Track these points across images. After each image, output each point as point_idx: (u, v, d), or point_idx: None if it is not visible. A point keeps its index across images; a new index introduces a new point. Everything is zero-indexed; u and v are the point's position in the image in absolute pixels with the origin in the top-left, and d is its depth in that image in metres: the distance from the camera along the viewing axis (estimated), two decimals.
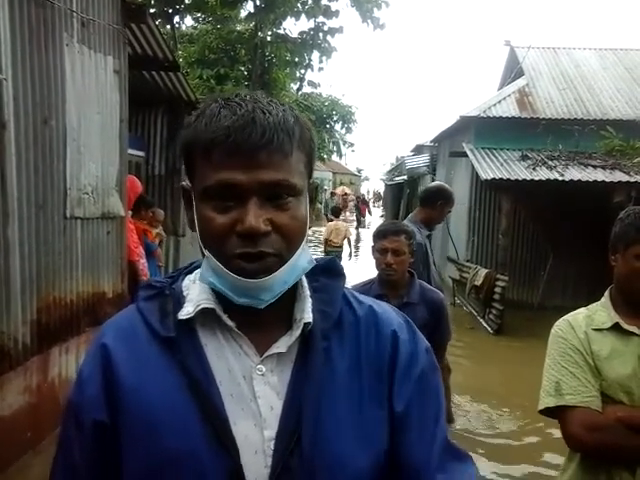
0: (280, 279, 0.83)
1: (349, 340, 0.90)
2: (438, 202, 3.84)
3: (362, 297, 0.98)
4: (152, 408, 0.83)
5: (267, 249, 0.82)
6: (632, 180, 8.67)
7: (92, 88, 4.75)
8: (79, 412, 0.87)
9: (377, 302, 0.99)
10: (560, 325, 1.74)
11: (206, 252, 0.86)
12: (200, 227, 0.86)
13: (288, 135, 0.83)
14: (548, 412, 1.69)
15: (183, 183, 0.91)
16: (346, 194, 32.82)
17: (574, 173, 9.09)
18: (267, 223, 0.82)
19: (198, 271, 0.92)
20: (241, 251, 0.82)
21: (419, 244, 3.64)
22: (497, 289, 8.78)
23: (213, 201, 0.83)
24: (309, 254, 0.89)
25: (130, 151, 6.24)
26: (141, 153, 7.93)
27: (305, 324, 0.87)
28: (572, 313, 1.77)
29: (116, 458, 0.84)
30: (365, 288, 2.85)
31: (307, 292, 0.90)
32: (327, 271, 0.95)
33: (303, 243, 0.87)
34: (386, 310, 0.97)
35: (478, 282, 9.09)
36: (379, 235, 2.88)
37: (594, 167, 9.36)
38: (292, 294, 0.89)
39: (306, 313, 0.88)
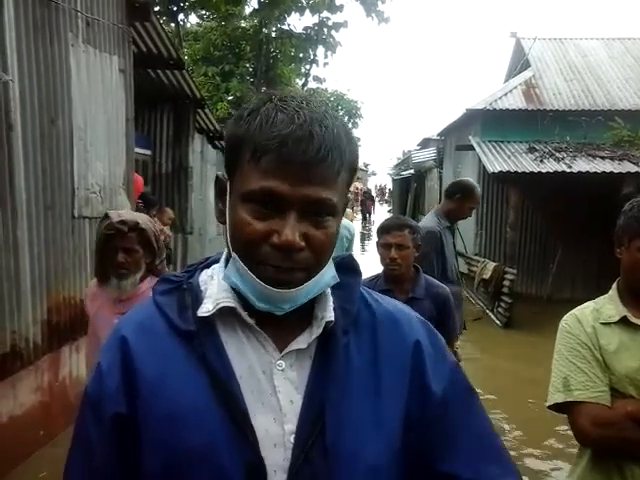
0: (304, 292, 0.84)
1: (366, 337, 0.92)
2: (456, 195, 3.90)
3: (378, 296, 0.99)
4: (172, 401, 0.83)
5: (297, 265, 0.82)
6: None
7: (98, 87, 4.77)
8: (98, 405, 0.87)
9: (394, 302, 1.00)
10: (567, 320, 1.73)
11: (234, 254, 0.85)
12: (233, 228, 0.85)
13: (340, 155, 0.83)
14: (557, 408, 1.68)
15: (219, 173, 0.91)
16: (357, 188, 33.31)
17: (582, 165, 9.03)
18: (302, 238, 0.81)
19: (215, 266, 0.93)
20: (272, 262, 0.82)
21: (432, 232, 3.72)
22: (505, 282, 8.77)
23: (252, 205, 0.82)
24: (333, 270, 0.89)
25: (137, 150, 6.26)
26: (148, 151, 7.95)
27: (326, 322, 0.88)
28: (580, 307, 1.75)
29: (135, 451, 0.84)
30: (371, 284, 2.83)
31: (328, 290, 0.91)
32: (345, 268, 0.95)
33: (330, 259, 0.88)
34: (404, 312, 0.98)
35: (486, 276, 9.08)
36: (383, 230, 2.88)
37: (602, 158, 9.30)
38: None
39: (328, 312, 0.89)
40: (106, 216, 2.37)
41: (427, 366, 0.92)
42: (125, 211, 2.52)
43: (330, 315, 0.88)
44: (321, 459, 0.83)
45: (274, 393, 0.85)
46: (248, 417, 0.83)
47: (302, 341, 0.87)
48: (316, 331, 0.88)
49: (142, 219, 2.39)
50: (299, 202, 0.81)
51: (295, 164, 0.79)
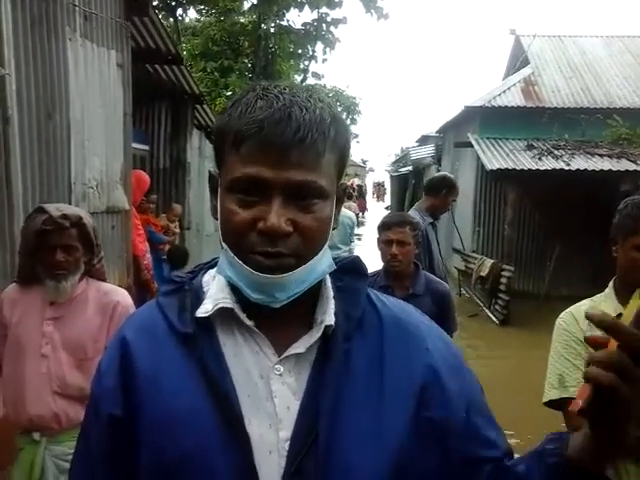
0: (296, 279, 0.82)
1: (371, 342, 0.88)
2: (442, 191, 3.97)
3: (385, 298, 0.96)
4: (168, 403, 0.82)
5: (286, 250, 0.80)
6: (639, 169, 8.62)
7: (95, 82, 4.75)
8: (97, 402, 0.88)
9: (402, 305, 0.96)
10: (564, 317, 1.73)
11: (224, 245, 0.84)
12: (222, 219, 0.84)
13: (322, 134, 0.80)
14: (553, 404, 1.68)
15: (210, 169, 0.90)
16: (352, 183, 33.77)
17: (580, 162, 9.05)
18: (289, 223, 0.79)
19: None
20: (260, 249, 0.80)
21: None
22: (503, 280, 8.78)
23: (237, 194, 0.81)
24: (330, 259, 0.87)
25: (134, 145, 6.24)
26: (145, 147, 7.93)
27: (326, 327, 0.85)
28: (576, 305, 1.76)
29: (131, 450, 0.84)
30: (371, 280, 2.83)
31: (330, 293, 0.88)
32: (351, 271, 0.92)
33: (325, 246, 0.85)
34: (413, 317, 0.94)
35: (484, 273, 9.09)
36: (384, 226, 2.89)
37: (600, 156, 9.32)
38: (314, 294, 0.88)
39: (328, 315, 0.86)
40: (41, 209, 2.07)
41: (442, 373, 0.87)
42: (63, 204, 2.25)
43: (330, 319, 0.85)
44: (314, 469, 0.80)
45: (270, 398, 0.83)
46: (242, 421, 0.81)
47: (301, 345, 0.84)
48: (315, 335, 0.85)
49: (83, 213, 2.15)
50: (283, 186, 0.78)
51: (274, 147, 0.78)
